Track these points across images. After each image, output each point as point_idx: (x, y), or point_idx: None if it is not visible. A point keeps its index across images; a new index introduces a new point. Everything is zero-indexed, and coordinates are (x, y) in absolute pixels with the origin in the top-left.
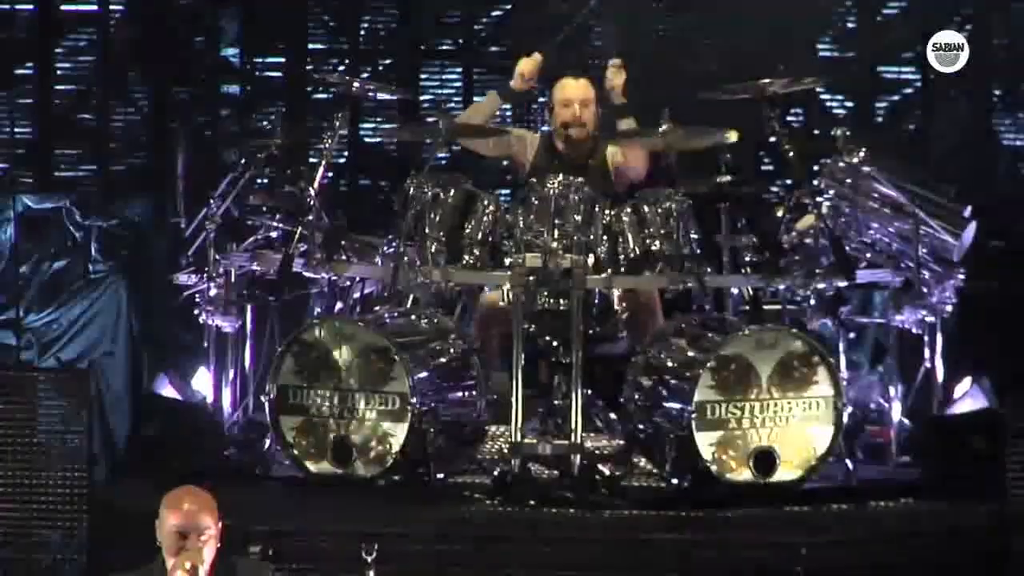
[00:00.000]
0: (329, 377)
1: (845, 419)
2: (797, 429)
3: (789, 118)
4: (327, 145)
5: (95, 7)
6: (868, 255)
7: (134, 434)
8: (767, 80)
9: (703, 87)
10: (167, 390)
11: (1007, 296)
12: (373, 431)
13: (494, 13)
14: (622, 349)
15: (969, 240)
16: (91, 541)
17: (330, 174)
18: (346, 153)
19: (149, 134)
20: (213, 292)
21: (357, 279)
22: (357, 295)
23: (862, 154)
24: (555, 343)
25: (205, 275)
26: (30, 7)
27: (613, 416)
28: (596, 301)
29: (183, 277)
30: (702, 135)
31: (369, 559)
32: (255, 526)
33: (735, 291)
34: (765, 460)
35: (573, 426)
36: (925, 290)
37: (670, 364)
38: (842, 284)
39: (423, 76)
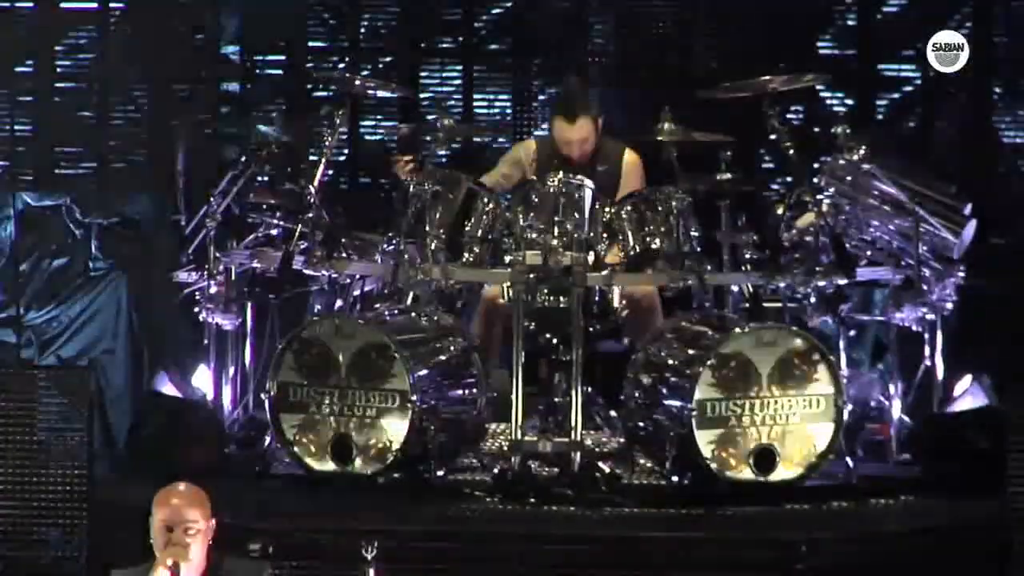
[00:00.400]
0: (329, 375)
1: (845, 417)
2: (797, 427)
3: (789, 116)
4: (327, 143)
5: (95, 4)
6: (868, 253)
7: (134, 432)
8: (767, 77)
9: (703, 85)
10: (167, 388)
11: (1007, 294)
12: (373, 429)
13: (495, 11)
14: (622, 347)
15: (969, 238)
16: (91, 539)
17: (330, 172)
18: (346, 151)
19: (149, 132)
20: (213, 290)
21: (357, 277)
22: (357, 293)
23: (862, 152)
24: (555, 341)
25: (205, 273)
26: (30, 4)
27: (613, 414)
28: (596, 299)
29: (183, 275)
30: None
31: (369, 556)
32: (255, 524)
33: (735, 289)
34: (765, 458)
35: (573, 424)
36: (925, 288)
37: (670, 362)
38: (842, 282)
39: (423, 74)
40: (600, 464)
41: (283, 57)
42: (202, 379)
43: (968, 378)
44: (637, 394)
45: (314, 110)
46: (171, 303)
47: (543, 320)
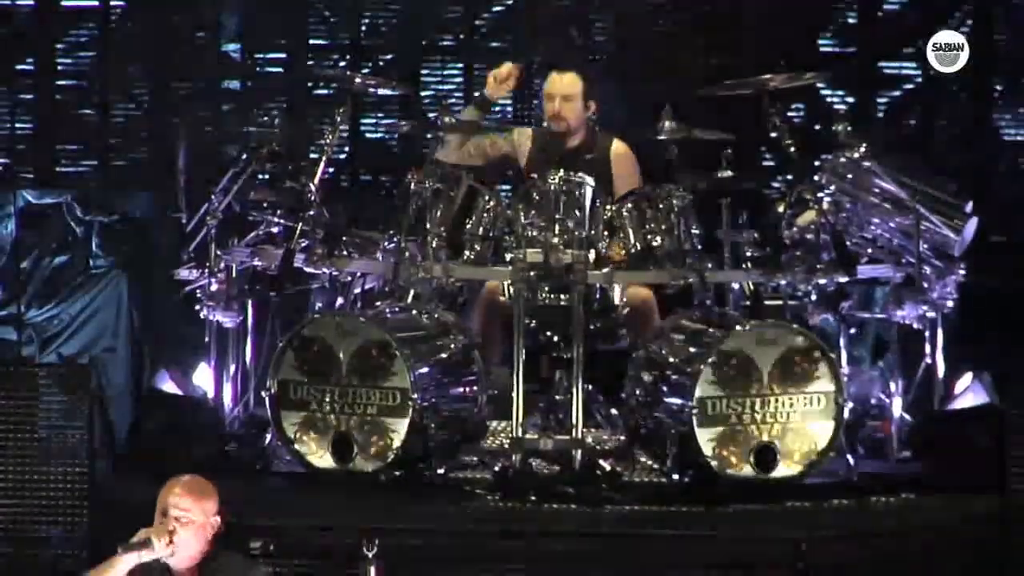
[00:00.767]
0: (330, 372)
1: (846, 414)
2: (798, 425)
3: (790, 114)
4: (328, 140)
5: (96, 2)
6: (869, 250)
7: (135, 430)
8: (768, 76)
9: (703, 83)
10: (168, 385)
11: (1008, 291)
12: (374, 426)
13: (495, 9)
14: (623, 345)
15: (970, 235)
16: (92, 536)
17: (331, 170)
18: (347, 148)
19: (150, 129)
20: (214, 287)
21: (358, 274)
22: (358, 290)
23: (863, 149)
24: (556, 338)
25: (206, 270)
26: (30, 2)
27: (614, 411)
28: (597, 297)
29: (184, 272)
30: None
31: (370, 554)
32: (256, 521)
33: (736, 287)
34: (766, 456)
35: (574, 421)
36: (926, 285)
37: (671, 360)
38: (843, 280)
39: (424, 71)
40: (601, 462)
41: (284, 55)
42: (203, 377)
43: (969, 376)
44: (638, 392)
45: (315, 108)
46: (172, 301)
47: (544, 318)
